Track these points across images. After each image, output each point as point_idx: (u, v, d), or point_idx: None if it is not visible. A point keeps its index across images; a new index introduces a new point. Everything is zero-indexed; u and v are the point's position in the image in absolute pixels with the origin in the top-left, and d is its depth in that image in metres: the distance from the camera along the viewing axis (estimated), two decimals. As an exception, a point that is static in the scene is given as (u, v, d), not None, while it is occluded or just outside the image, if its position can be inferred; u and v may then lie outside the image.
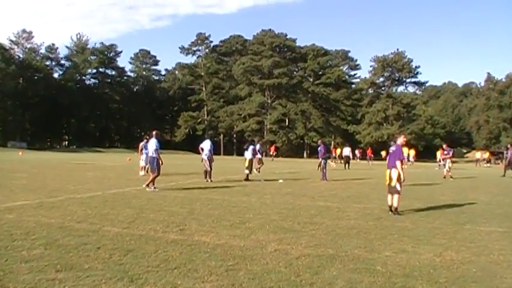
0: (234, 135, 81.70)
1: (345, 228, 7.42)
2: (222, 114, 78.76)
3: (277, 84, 73.45)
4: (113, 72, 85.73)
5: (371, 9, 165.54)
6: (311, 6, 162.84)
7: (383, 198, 11.40)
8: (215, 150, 18.27)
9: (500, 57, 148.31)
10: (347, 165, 30.42)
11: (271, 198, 11.44)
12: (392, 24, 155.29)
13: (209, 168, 16.20)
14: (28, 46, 75.63)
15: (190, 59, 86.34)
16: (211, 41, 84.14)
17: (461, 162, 58.86)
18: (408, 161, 35.68)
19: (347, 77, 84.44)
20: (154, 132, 13.78)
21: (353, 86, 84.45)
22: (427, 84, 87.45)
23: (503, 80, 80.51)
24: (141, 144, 18.49)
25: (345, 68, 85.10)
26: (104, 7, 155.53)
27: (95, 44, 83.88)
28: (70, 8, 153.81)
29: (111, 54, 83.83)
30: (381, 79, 77.44)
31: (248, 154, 17.92)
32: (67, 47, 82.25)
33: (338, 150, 42.60)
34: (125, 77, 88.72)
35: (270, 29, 79.36)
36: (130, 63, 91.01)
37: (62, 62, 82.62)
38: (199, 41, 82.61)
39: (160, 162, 13.04)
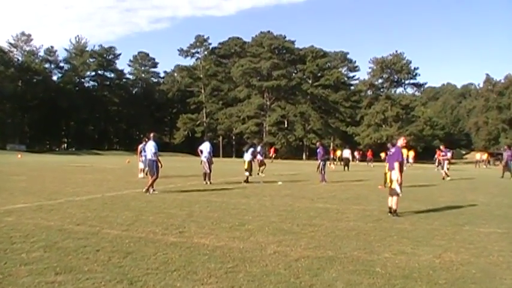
0: (233, 137, 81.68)
1: (344, 230, 7.43)
2: (221, 116, 78.76)
3: (276, 86, 73.47)
4: (112, 75, 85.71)
5: (369, 11, 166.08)
6: (309, 7, 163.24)
7: (382, 199, 11.42)
8: (214, 152, 18.26)
9: (499, 58, 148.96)
10: (346, 167, 30.42)
11: (270, 200, 11.44)
12: (391, 26, 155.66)
13: (208, 171, 16.19)
14: (27, 49, 75.69)
15: (189, 61, 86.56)
16: (210, 43, 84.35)
17: (460, 163, 58.96)
18: (407, 162, 35.69)
19: (346, 78, 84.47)
20: (152, 135, 13.70)
21: (352, 87, 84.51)
22: (426, 86, 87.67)
23: (502, 81, 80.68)
24: (140, 146, 18.44)
25: (343, 70, 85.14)
26: (102, 10, 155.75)
27: (94, 46, 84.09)
28: (68, 10, 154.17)
29: (109, 57, 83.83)
30: (380, 81, 77.55)
31: (247, 156, 17.93)
32: (66, 49, 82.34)
33: (338, 152, 42.60)
34: (124, 80, 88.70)
35: (269, 31, 79.45)
36: (129, 65, 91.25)
37: (61, 64, 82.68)
38: (198, 43, 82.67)
39: (160, 165, 13.00)
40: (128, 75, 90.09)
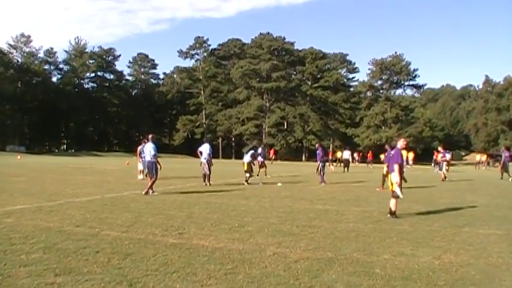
0: (233, 139, 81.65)
1: (344, 232, 7.43)
2: (220, 118, 78.74)
3: (275, 87, 73.45)
4: (111, 76, 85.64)
5: (369, 12, 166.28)
6: (309, 9, 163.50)
7: (382, 201, 11.44)
8: (214, 153, 18.28)
9: (498, 59, 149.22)
10: (346, 168, 30.45)
11: (269, 202, 11.44)
12: (390, 27, 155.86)
13: (208, 172, 16.19)
14: (26, 50, 75.61)
15: (188, 63, 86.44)
16: (210, 45, 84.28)
17: (460, 164, 58.96)
18: (407, 164, 35.72)
19: (345, 80, 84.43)
20: (150, 136, 13.68)
21: (351, 89, 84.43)
22: (425, 87, 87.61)
23: (501, 82, 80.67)
24: (140, 147, 18.43)
25: (343, 71, 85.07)
26: (102, 11, 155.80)
27: (93, 48, 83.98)
28: (68, 12, 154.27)
29: (109, 58, 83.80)
30: (379, 82, 77.54)
31: (246, 158, 17.96)
32: (65, 51, 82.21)
33: (339, 154, 42.64)
34: (123, 81, 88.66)
35: (268, 33, 79.44)
36: (128, 67, 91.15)
37: (61, 66, 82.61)
38: (197, 45, 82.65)
39: (159, 167, 13.00)
40: (127, 77, 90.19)
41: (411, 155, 40.72)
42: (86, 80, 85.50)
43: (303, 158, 73.92)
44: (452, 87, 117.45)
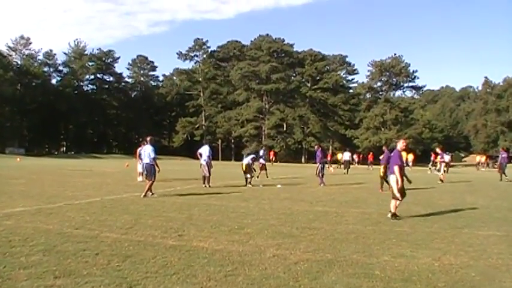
0: (232, 141, 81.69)
1: (343, 233, 7.43)
2: (220, 120, 78.77)
3: (274, 89, 73.50)
4: (111, 78, 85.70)
5: (368, 14, 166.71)
6: (308, 11, 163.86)
7: (381, 202, 11.44)
8: (213, 155, 18.30)
9: (497, 61, 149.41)
10: (346, 170, 30.47)
11: (269, 204, 11.44)
12: (389, 29, 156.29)
13: (207, 174, 16.19)
14: (26, 52, 75.72)
15: (187, 65, 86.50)
16: (209, 47, 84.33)
17: (459, 166, 58.99)
18: (407, 165, 35.69)
19: (345, 81, 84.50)
20: (148, 138, 13.71)
21: (351, 90, 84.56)
22: (425, 89, 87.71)
23: (501, 83, 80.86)
24: (139, 149, 18.43)
25: (342, 73, 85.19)
26: (101, 13, 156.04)
27: (93, 50, 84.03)
28: (67, 14, 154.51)
29: (108, 60, 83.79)
30: (379, 84, 77.59)
31: (246, 160, 17.95)
32: (65, 53, 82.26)
33: (339, 155, 42.70)
34: (123, 83, 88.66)
35: (268, 34, 79.52)
36: (128, 69, 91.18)
37: (60, 68, 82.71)
38: (196, 47, 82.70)
39: (157, 170, 12.99)
40: (126, 79, 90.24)
41: (411, 156, 40.71)
42: (86, 82, 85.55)
43: (303, 159, 73.93)
44: (451, 89, 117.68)
